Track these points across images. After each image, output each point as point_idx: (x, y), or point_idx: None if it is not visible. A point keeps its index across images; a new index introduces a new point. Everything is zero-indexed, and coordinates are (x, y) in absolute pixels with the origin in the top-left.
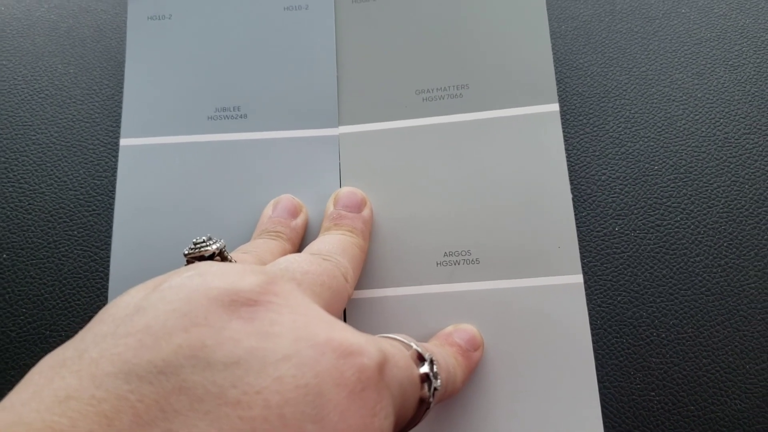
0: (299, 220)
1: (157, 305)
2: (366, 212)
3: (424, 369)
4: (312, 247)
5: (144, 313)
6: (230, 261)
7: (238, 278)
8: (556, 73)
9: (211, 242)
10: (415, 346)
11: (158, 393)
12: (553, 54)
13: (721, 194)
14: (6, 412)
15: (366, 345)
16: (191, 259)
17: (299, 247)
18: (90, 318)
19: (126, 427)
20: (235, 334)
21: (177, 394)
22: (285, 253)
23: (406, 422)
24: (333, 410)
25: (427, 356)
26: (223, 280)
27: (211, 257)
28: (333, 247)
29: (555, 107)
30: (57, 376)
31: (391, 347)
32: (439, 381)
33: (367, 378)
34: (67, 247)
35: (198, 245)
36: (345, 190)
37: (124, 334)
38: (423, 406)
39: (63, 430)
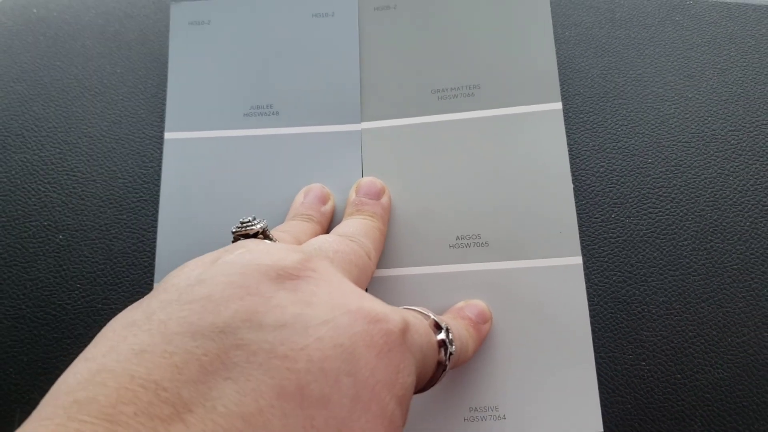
0: (328, 206)
1: (215, 277)
2: (385, 199)
3: (441, 336)
4: (338, 229)
5: (204, 284)
6: (272, 239)
7: (283, 256)
8: (559, 75)
9: (255, 222)
10: (432, 317)
11: (219, 348)
12: (557, 57)
13: (708, 185)
14: (90, 363)
15: (391, 313)
16: (238, 236)
17: (327, 230)
18: (137, 293)
19: (194, 375)
20: (281, 302)
21: (235, 349)
22: (315, 234)
23: (425, 382)
24: (364, 366)
25: (443, 325)
26: (270, 257)
27: (255, 235)
28: (357, 230)
29: (558, 106)
30: (130, 334)
31: (412, 317)
32: (454, 347)
33: (392, 341)
34: (117, 230)
35: (244, 224)
36: (366, 179)
37: (188, 300)
38: (440, 368)
39: (141, 376)
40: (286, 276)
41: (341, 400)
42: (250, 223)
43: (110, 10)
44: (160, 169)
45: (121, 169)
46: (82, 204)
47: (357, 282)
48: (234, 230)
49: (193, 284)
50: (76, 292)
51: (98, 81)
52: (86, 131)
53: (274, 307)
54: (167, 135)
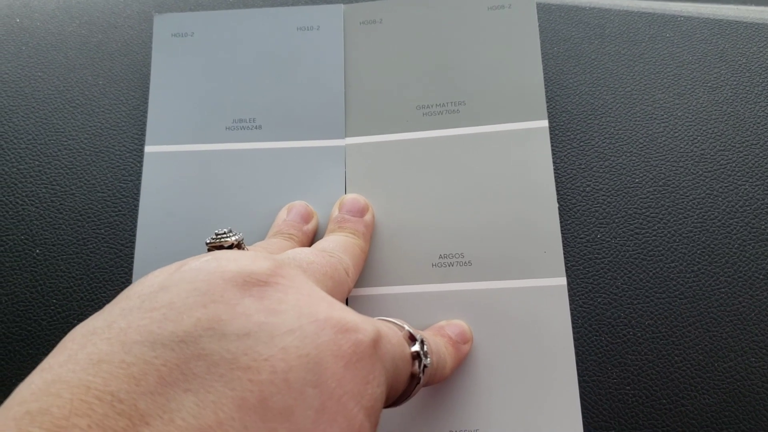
0: (311, 226)
1: (179, 284)
2: (368, 217)
3: (416, 348)
4: (318, 245)
5: (167, 291)
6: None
7: (250, 262)
8: (546, 92)
9: (231, 234)
10: (407, 328)
11: (179, 359)
12: (544, 73)
13: (696, 206)
14: (46, 373)
15: (362, 323)
16: (212, 247)
17: None
18: None
19: (151, 386)
20: (246, 310)
21: (196, 359)
22: None
23: (398, 394)
24: (331, 377)
25: (418, 337)
26: (237, 263)
27: (230, 248)
28: (336, 246)
29: (544, 123)
30: (89, 342)
31: (386, 327)
32: (429, 359)
33: (361, 351)
34: (94, 244)
35: (219, 236)
36: (349, 196)
37: (150, 308)
38: (414, 381)
39: (97, 387)
40: (253, 282)
41: (305, 412)
42: (225, 235)
43: (94, 20)
44: (139, 183)
45: (100, 182)
46: (60, 217)
47: (331, 294)
48: (208, 241)
49: (156, 291)
50: (52, 307)
51: (80, 92)
52: (66, 143)
53: (238, 315)
54: (147, 148)
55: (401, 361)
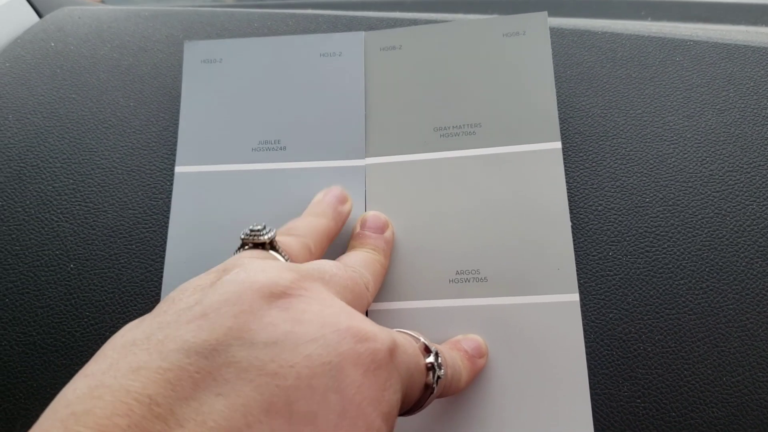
0: (346, 207)
1: (211, 297)
2: (388, 233)
3: (430, 359)
4: (341, 260)
5: (201, 304)
6: (278, 250)
7: (277, 274)
8: (559, 114)
9: (265, 231)
10: (423, 340)
11: (212, 365)
12: (558, 96)
13: (705, 225)
14: (89, 379)
15: (379, 333)
16: (246, 242)
17: (339, 232)
18: None
19: (186, 391)
20: (273, 320)
21: (227, 366)
22: (329, 233)
23: (412, 403)
24: (351, 384)
25: (432, 349)
26: (265, 275)
27: (263, 245)
28: (358, 261)
29: (558, 145)
30: (129, 352)
31: (402, 338)
32: (442, 371)
33: (379, 359)
34: (126, 260)
35: (254, 232)
36: (371, 213)
37: (186, 320)
38: (428, 391)
39: (136, 391)
40: (278, 294)
41: (328, 416)
42: (259, 232)
43: (125, 44)
44: (169, 201)
45: (131, 200)
46: (93, 234)
47: (351, 306)
48: (243, 236)
49: (192, 305)
50: (85, 320)
51: (112, 114)
52: (99, 163)
53: (266, 325)
54: (178, 168)
55: (416, 371)
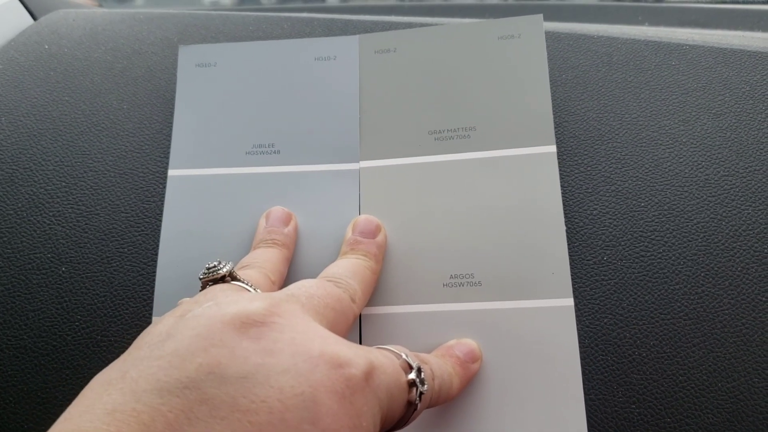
0: (290, 227)
1: (183, 331)
2: (380, 238)
3: (412, 376)
4: (327, 271)
5: (172, 338)
6: (240, 279)
7: (247, 304)
8: (554, 118)
9: (221, 266)
10: (404, 356)
11: (184, 404)
12: (553, 100)
13: (700, 230)
14: (67, 423)
15: (354, 357)
16: (206, 282)
17: (293, 250)
18: (136, 325)
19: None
20: (244, 352)
21: (199, 404)
22: (283, 258)
23: (395, 421)
24: (326, 413)
25: (414, 365)
26: (236, 306)
27: (223, 279)
28: (345, 271)
29: (552, 149)
30: (105, 393)
31: (382, 356)
32: (425, 386)
33: (354, 384)
34: (118, 263)
35: (211, 270)
36: (362, 217)
37: (158, 356)
38: (411, 408)
39: None
40: (250, 323)
41: None
42: (216, 268)
43: (119, 47)
44: (162, 205)
45: (124, 203)
46: (85, 237)
47: (332, 325)
48: (201, 276)
49: (163, 340)
50: (76, 323)
51: (105, 117)
52: (92, 165)
53: (237, 358)
54: (171, 172)
55: (396, 390)
